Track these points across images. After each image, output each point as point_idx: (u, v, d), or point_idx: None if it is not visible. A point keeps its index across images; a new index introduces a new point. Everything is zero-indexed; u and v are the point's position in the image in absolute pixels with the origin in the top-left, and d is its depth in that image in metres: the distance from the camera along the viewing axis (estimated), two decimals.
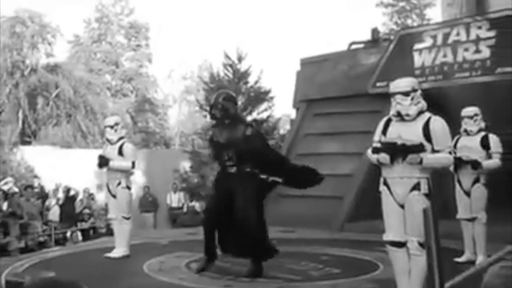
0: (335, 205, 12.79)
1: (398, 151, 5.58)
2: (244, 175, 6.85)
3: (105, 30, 39.97)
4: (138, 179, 20.99)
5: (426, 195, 5.62)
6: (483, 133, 8.26)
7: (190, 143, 25.93)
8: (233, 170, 6.93)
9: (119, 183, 9.08)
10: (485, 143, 8.16)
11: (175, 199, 19.69)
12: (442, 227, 7.52)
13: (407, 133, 5.69)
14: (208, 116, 7.35)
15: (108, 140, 9.25)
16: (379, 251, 8.58)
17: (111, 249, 9.20)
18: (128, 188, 9.21)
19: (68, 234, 16.39)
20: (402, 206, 5.70)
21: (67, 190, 17.43)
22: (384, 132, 5.89)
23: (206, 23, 57.32)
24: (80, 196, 17.84)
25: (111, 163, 8.98)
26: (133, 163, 9.11)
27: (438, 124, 5.70)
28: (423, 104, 5.87)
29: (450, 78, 12.59)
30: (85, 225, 16.98)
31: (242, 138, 6.83)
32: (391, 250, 5.83)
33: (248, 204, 6.72)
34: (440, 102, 11.23)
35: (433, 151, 5.61)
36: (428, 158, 5.56)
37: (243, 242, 6.84)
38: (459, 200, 8.32)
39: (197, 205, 18.84)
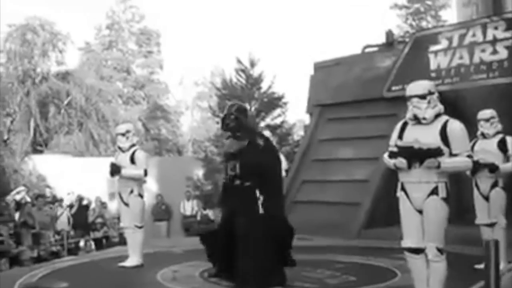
0: (351, 212, 12.73)
1: (415, 155, 5.56)
2: (247, 189, 6.81)
3: (116, 36, 40.20)
4: (151, 187, 21.04)
5: (445, 199, 5.59)
6: (500, 136, 8.18)
7: (203, 150, 25.95)
8: (237, 182, 6.91)
9: (131, 191, 9.08)
10: (502, 146, 8.08)
11: (188, 207, 19.66)
12: (461, 233, 7.49)
13: (424, 136, 5.65)
14: (220, 126, 7.31)
15: (119, 148, 9.27)
16: (397, 258, 8.52)
17: (124, 258, 9.20)
18: (141, 196, 9.21)
19: (81, 243, 16.45)
20: (420, 212, 5.67)
21: (80, 199, 17.49)
22: (400, 136, 5.87)
23: (217, 28, 57.52)
24: (92, 205, 17.89)
25: (123, 171, 8.99)
26: (145, 171, 9.10)
27: (456, 127, 5.67)
28: (440, 107, 5.85)
29: (467, 80, 12.51)
30: (98, 234, 17.03)
31: (250, 149, 6.79)
32: (409, 257, 5.80)
33: (250, 220, 6.66)
34: (456, 105, 11.18)
35: (451, 155, 5.57)
36: (446, 162, 5.53)
37: (245, 268, 6.72)
38: (478, 204, 8.25)
39: (210, 213, 18.82)
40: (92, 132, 31.48)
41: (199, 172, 21.58)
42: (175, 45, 60.02)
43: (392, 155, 5.78)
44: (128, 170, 8.99)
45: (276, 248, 6.85)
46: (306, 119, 17.52)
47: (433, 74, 12.89)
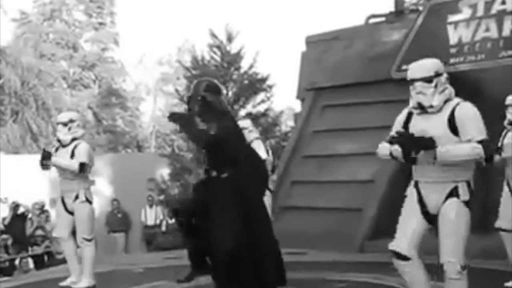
0: (353, 220, 12.80)
1: (409, 142, 5.57)
2: (224, 181, 6.84)
3: (59, 4, 40.01)
4: (104, 190, 21.02)
5: (466, 203, 5.64)
6: None
7: (169, 144, 25.96)
8: (214, 173, 6.95)
9: (77, 197, 9.03)
10: None
11: (151, 215, 19.69)
12: (486, 244, 7.54)
13: (432, 127, 5.63)
14: (187, 110, 7.29)
15: (59, 140, 9.15)
16: None
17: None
18: (89, 202, 9.15)
19: (17, 261, 16.39)
20: (429, 217, 5.74)
21: (15, 206, 17.41)
22: (405, 127, 5.86)
23: None
24: (30, 214, 17.80)
25: (54, 159, 8.92)
26: (82, 165, 8.95)
27: (465, 110, 5.61)
28: (450, 90, 5.80)
29: (495, 57, 12.60)
30: (38, 250, 16.97)
31: (214, 134, 6.83)
32: (395, 262, 5.91)
33: (225, 219, 6.67)
34: (481, 88, 11.30)
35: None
36: (442, 151, 5.51)
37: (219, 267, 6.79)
38: (504, 205, 8.31)
39: None
40: (30, 123, 31.37)
41: (164, 172, 21.58)
42: (133, 15, 59.88)
43: (390, 142, 5.81)
44: (59, 159, 8.94)
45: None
46: (297, 106, 17.58)
47: (453, 50, 12.97)
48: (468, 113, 5.62)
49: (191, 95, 7.02)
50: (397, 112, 6.13)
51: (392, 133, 5.89)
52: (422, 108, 5.74)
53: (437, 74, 5.76)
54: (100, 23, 40.51)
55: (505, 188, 8.32)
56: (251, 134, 10.26)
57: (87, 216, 9.08)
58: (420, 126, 5.69)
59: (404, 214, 5.88)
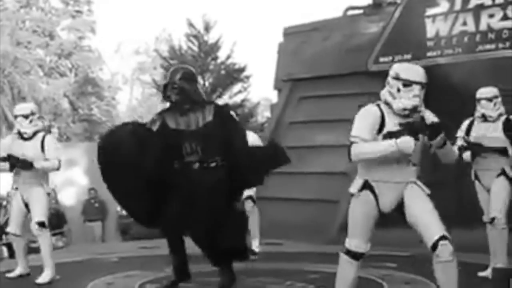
0: (328, 211, 12.82)
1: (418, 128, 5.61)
2: (210, 171, 6.82)
3: None
4: (80, 179, 20.91)
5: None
6: (503, 118, 8.28)
7: None
8: (195, 166, 6.89)
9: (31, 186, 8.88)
10: (508, 129, 8.19)
11: None
12: (463, 238, 7.58)
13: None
14: (161, 99, 7.25)
15: (20, 133, 8.99)
16: (382, 267, 8.64)
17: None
18: (43, 187, 9.02)
19: None
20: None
21: None
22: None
23: None
24: (4, 202, 17.70)
25: (36, 163, 8.76)
26: (60, 162, 8.92)
27: None
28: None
29: (471, 51, 12.66)
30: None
31: (214, 123, 6.79)
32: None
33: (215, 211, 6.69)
34: (459, 81, 11.35)
35: None
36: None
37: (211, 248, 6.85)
38: (482, 201, 8.40)
39: None
40: (5, 112, 31.14)
41: None
42: (110, 4, 59.59)
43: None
44: (41, 162, 8.79)
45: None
46: (274, 96, 17.58)
47: (430, 43, 13.02)
48: None
49: (167, 82, 6.95)
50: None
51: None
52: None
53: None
54: (77, 11, 40.22)
55: (477, 185, 8.41)
56: None
57: (41, 198, 8.87)
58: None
59: (358, 215, 5.90)
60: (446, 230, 5.50)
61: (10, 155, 8.79)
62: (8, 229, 9.32)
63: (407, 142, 5.39)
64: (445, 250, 5.44)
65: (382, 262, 8.77)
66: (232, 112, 7.15)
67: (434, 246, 5.45)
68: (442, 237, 5.44)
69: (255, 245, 10.30)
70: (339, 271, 5.99)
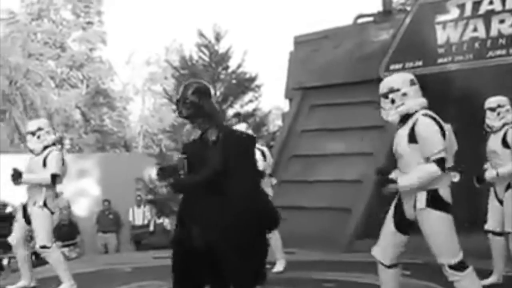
0: (341, 219, 12.81)
1: None
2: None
3: (47, 4, 39.87)
4: (93, 191, 20.95)
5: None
6: (505, 129, 8.14)
7: (157, 144, 25.86)
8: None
9: (35, 203, 8.81)
10: (506, 141, 8.06)
11: (138, 215, 19.62)
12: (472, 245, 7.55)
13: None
14: (177, 114, 7.16)
15: (31, 150, 8.98)
16: None
17: (57, 278, 9.09)
18: (48, 209, 8.92)
19: (5, 261, 16.30)
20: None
21: (3, 205, 17.33)
22: None
23: None
24: (18, 214, 17.74)
25: (24, 176, 8.69)
26: (54, 176, 8.74)
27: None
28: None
29: (482, 57, 12.63)
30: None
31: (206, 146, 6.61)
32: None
33: (209, 226, 6.55)
34: (468, 87, 11.32)
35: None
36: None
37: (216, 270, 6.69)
38: (491, 208, 8.38)
39: (166, 222, 18.79)
40: (18, 123, 31.24)
41: (152, 172, 21.52)
42: (121, 15, 59.79)
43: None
44: (30, 175, 8.78)
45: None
46: (285, 105, 17.56)
47: (440, 50, 12.99)
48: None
49: (179, 98, 6.90)
50: None
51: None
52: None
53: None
54: (88, 23, 40.38)
55: (492, 193, 8.37)
56: None
57: (43, 223, 8.78)
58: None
59: (385, 224, 6.11)
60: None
61: (14, 168, 8.83)
62: (9, 239, 9.28)
63: None
64: (449, 275, 5.72)
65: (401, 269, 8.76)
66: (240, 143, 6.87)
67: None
68: (444, 264, 5.71)
69: (279, 266, 10.13)
70: (379, 278, 6.25)
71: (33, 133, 8.89)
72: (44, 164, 8.73)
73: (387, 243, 6.00)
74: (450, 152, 5.80)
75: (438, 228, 5.68)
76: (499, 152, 8.08)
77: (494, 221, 8.30)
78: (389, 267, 6.01)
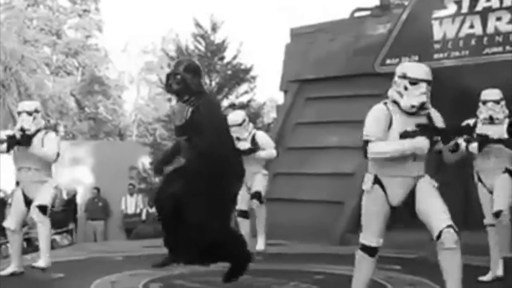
0: (334, 212, 12.82)
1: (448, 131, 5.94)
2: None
3: None
4: (85, 178, 20.94)
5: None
6: (508, 121, 8.12)
7: (151, 133, 25.82)
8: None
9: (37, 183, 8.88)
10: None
11: (131, 203, 19.64)
12: (464, 240, 7.60)
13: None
14: (164, 88, 7.20)
15: (22, 129, 8.99)
16: (387, 269, 8.62)
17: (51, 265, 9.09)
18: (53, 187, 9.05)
19: None
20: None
21: None
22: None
23: None
24: (10, 200, 17.73)
25: (33, 149, 8.69)
26: (58, 155, 8.93)
27: None
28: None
29: (478, 54, 12.64)
30: None
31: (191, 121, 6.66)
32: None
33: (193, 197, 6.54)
34: (464, 84, 11.33)
35: None
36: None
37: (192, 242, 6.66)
38: (484, 202, 8.37)
39: None
40: (12, 109, 31.08)
41: (146, 161, 21.50)
42: (117, 3, 59.65)
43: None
44: (40, 148, 8.81)
45: None
46: (280, 97, 17.56)
47: (437, 46, 13.01)
48: None
49: (170, 72, 6.96)
50: None
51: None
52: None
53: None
54: (84, 10, 40.27)
55: (480, 186, 8.38)
56: (249, 126, 10.34)
57: (47, 188, 8.90)
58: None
59: (371, 210, 6.11)
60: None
61: (8, 136, 8.81)
62: (5, 224, 9.26)
63: (422, 143, 5.69)
64: (450, 237, 5.63)
65: (387, 264, 8.75)
66: (209, 100, 6.95)
67: (440, 234, 5.65)
68: (448, 226, 5.65)
69: (260, 244, 10.28)
70: (355, 268, 6.18)
71: (29, 113, 8.90)
72: (42, 145, 8.79)
73: (378, 226, 6.05)
74: None
75: (439, 196, 5.83)
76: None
77: (491, 215, 8.27)
78: (373, 255, 6.02)
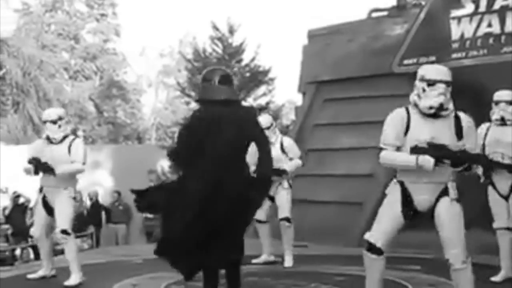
0: (353, 213, 12.82)
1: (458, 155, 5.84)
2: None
3: None
4: (105, 182, 21.03)
5: (458, 200, 5.91)
6: None
7: (169, 136, 25.81)
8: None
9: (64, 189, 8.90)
10: None
11: None
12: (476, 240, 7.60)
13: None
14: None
15: (49, 138, 9.09)
16: (407, 269, 8.63)
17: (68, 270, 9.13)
18: (74, 198, 9.06)
19: (18, 251, 16.42)
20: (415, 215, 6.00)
21: (16, 197, 17.44)
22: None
23: None
24: (31, 204, 17.85)
25: (58, 169, 8.77)
26: (84, 163, 8.99)
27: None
28: None
29: (497, 53, 12.60)
30: None
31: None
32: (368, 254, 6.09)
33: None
34: (482, 83, 11.30)
35: None
36: None
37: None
38: (495, 206, 8.36)
39: None
40: (31, 114, 31.33)
41: (165, 164, 21.58)
42: (134, 7, 59.85)
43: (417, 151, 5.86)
44: (64, 166, 8.85)
45: None
46: (298, 99, 17.56)
47: (455, 45, 12.97)
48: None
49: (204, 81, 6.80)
50: (399, 106, 6.17)
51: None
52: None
53: None
54: (102, 14, 40.47)
55: (491, 191, 8.36)
56: (276, 129, 10.33)
57: (68, 209, 8.87)
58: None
59: (385, 212, 6.10)
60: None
61: (34, 158, 8.89)
62: (32, 232, 9.36)
63: (427, 162, 5.71)
64: (456, 259, 5.81)
65: (407, 264, 8.77)
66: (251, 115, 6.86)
67: (448, 259, 5.86)
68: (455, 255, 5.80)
69: (288, 262, 10.16)
70: (366, 269, 6.18)
71: (54, 122, 8.97)
72: (69, 152, 8.86)
73: (386, 228, 6.03)
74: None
75: (458, 221, 5.81)
76: None
77: (502, 218, 8.31)
78: (379, 253, 5.99)
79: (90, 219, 18.07)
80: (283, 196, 10.22)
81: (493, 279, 8.22)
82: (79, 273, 8.80)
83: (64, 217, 8.83)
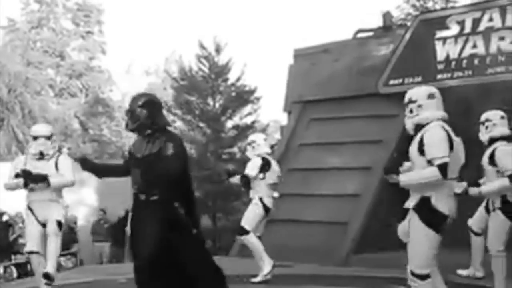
0: (338, 233, 12.81)
1: None
2: (153, 204, 6.60)
3: (47, 12, 39.93)
4: (90, 200, 20.93)
5: None
6: (494, 146, 8.07)
7: None
8: (142, 197, 6.73)
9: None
10: (491, 159, 8.02)
11: None
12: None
13: None
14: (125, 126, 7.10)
15: (41, 154, 9.07)
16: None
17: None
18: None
19: (0, 269, 16.30)
20: None
21: (0, 214, 17.35)
22: None
23: (175, 4, 57.40)
24: (13, 222, 17.76)
25: (51, 180, 8.85)
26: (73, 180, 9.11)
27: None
28: None
29: (482, 73, 12.68)
30: (21, 259, 16.87)
31: (157, 156, 6.54)
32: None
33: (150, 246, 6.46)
34: (468, 103, 11.36)
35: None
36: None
37: None
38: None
39: None
40: (16, 131, 31.21)
41: None
42: (120, 24, 59.88)
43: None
44: (56, 178, 8.89)
45: None
46: (283, 118, 17.60)
47: (440, 66, 13.05)
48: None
49: (128, 110, 6.76)
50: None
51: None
52: None
53: None
54: (88, 32, 40.45)
55: (485, 201, 8.53)
56: (259, 148, 10.30)
57: (60, 208, 9.08)
58: None
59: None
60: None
61: (24, 170, 8.87)
62: (27, 248, 9.25)
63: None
64: (409, 279, 5.84)
65: (395, 283, 8.80)
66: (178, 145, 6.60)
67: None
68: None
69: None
70: None
71: (48, 138, 9.04)
72: (56, 168, 8.93)
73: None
74: (456, 163, 5.89)
75: (417, 236, 5.78)
76: (487, 169, 8.15)
77: (477, 222, 8.88)
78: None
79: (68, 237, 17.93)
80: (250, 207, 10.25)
81: (460, 272, 8.78)
82: (54, 267, 8.89)
83: (59, 213, 9.00)
